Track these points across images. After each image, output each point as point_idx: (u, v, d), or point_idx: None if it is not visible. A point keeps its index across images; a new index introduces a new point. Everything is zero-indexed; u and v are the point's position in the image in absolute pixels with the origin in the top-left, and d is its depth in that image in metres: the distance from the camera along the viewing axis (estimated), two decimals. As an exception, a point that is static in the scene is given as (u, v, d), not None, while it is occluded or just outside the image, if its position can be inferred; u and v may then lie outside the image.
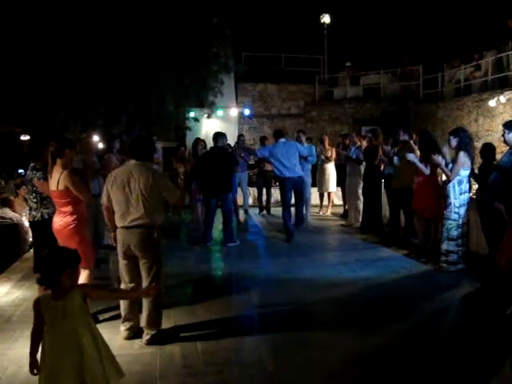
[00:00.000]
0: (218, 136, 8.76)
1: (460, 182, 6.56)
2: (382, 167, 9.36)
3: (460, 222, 6.61)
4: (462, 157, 6.47)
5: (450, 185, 6.60)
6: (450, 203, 6.60)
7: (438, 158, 6.71)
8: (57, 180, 4.75)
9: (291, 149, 8.83)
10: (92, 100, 11.13)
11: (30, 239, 8.41)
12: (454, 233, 6.62)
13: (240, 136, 12.52)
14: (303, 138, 10.43)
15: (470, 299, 5.76)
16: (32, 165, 5.38)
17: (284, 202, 8.91)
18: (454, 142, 6.65)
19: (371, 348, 4.33)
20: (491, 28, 14.67)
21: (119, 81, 11.13)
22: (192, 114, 15.30)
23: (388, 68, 18.12)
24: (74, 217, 4.84)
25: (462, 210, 6.60)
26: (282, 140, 8.95)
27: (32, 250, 7.83)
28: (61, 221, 4.84)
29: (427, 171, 7.16)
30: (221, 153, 8.64)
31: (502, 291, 5.45)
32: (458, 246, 6.66)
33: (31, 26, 9.96)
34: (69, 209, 4.82)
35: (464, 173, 6.54)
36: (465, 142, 6.56)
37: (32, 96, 10.44)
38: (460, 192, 6.58)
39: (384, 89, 17.80)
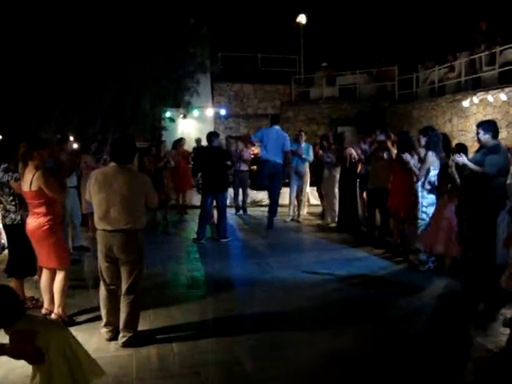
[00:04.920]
0: (213, 135, 9.08)
1: (428, 182, 6.59)
2: (360, 167, 9.44)
3: (428, 221, 6.62)
4: (431, 156, 6.51)
5: (419, 184, 6.63)
6: (418, 202, 6.63)
7: (408, 157, 6.72)
8: (29, 180, 4.68)
9: (280, 139, 9.54)
10: (67, 100, 10.98)
11: (3, 241, 8.23)
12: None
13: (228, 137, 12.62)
14: (303, 138, 10.86)
15: (442, 298, 5.81)
16: (4, 166, 5.28)
17: (256, 183, 9.78)
18: (422, 140, 6.70)
19: (347, 347, 4.35)
20: (464, 29, 14.87)
21: (94, 81, 11.00)
22: (168, 114, 15.24)
23: (364, 68, 18.27)
24: (49, 217, 4.77)
25: (430, 210, 6.60)
26: (276, 127, 9.72)
27: (4, 253, 7.70)
28: (35, 222, 4.77)
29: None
30: (216, 152, 8.89)
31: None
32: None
33: (3, 27, 9.79)
34: (42, 210, 4.75)
35: (433, 172, 6.56)
36: (433, 141, 6.58)
37: (4, 96, 10.24)
38: (428, 191, 6.62)
39: (360, 89, 17.95)
